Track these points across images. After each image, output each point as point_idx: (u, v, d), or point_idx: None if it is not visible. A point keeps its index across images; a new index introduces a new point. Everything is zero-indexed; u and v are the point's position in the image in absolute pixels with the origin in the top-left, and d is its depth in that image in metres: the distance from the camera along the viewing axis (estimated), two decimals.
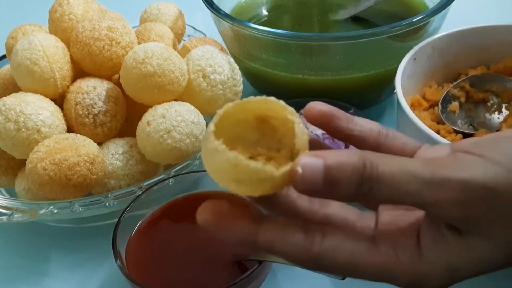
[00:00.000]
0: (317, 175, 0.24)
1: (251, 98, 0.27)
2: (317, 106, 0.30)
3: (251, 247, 0.27)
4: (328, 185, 0.25)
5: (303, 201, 0.30)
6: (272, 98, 0.27)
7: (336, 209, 0.31)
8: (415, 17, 0.55)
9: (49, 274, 0.51)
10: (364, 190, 0.25)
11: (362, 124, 0.31)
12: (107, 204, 0.48)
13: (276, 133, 0.28)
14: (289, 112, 0.27)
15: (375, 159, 0.25)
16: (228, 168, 0.24)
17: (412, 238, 0.28)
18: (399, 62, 0.53)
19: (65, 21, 0.55)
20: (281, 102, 0.27)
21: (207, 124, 0.53)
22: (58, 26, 0.56)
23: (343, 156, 0.25)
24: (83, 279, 0.50)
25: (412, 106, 0.54)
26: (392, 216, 0.30)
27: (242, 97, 0.57)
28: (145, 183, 0.48)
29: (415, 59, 0.54)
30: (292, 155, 0.27)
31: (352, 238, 0.27)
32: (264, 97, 0.27)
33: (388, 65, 0.59)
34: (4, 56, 0.64)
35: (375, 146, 0.30)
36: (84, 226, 0.54)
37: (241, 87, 0.56)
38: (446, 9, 0.58)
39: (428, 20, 0.56)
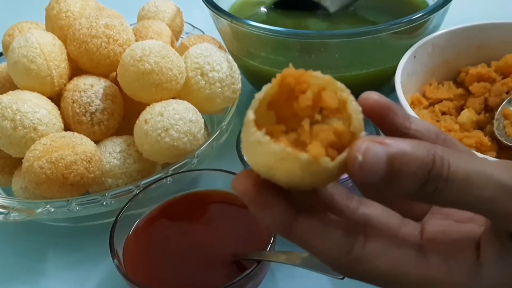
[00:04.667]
0: (379, 165, 0.21)
1: (289, 69, 0.24)
2: (373, 96, 0.26)
3: (283, 233, 0.24)
4: (388, 179, 0.21)
5: (341, 197, 0.27)
6: (318, 73, 0.24)
7: (376, 210, 0.28)
8: (415, 15, 0.54)
9: (46, 273, 0.51)
10: (428, 190, 0.22)
11: (419, 124, 0.27)
12: (104, 203, 0.47)
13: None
14: (339, 88, 0.24)
15: (446, 155, 0.22)
16: (275, 162, 0.22)
17: (469, 251, 0.25)
18: (399, 59, 0.52)
19: (62, 18, 0.55)
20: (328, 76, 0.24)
21: (205, 123, 0.52)
22: (55, 24, 0.55)
23: (409, 146, 0.22)
24: (80, 278, 0.50)
25: (412, 104, 0.54)
26: (440, 226, 0.27)
27: (240, 96, 0.57)
28: (143, 182, 0.48)
29: (415, 56, 0.54)
30: (341, 134, 0.23)
31: (398, 244, 0.25)
32: (302, 71, 0.24)
33: (387, 62, 0.59)
34: (0, 54, 0.63)
35: None
36: (81, 225, 0.53)
37: (240, 85, 0.56)
38: (446, 6, 0.57)
39: (428, 18, 0.56)
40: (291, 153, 0.21)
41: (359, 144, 0.22)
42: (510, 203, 0.22)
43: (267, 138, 0.22)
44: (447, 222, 0.27)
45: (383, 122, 0.27)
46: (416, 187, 0.22)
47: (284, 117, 0.24)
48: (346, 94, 0.23)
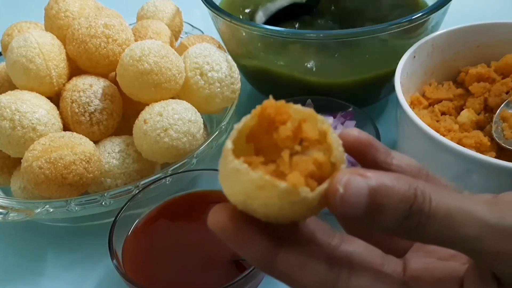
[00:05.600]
0: (360, 198, 0.21)
1: (270, 101, 0.23)
2: (353, 132, 0.26)
3: (265, 268, 0.24)
4: (370, 212, 0.21)
5: (322, 233, 0.26)
6: (299, 106, 0.24)
7: (359, 247, 0.27)
8: (415, 14, 0.54)
9: (45, 273, 0.51)
10: (410, 225, 0.21)
11: (400, 159, 0.27)
12: (103, 203, 0.47)
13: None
14: (319, 120, 0.23)
15: (428, 190, 0.22)
16: (253, 191, 0.21)
17: None
18: (399, 59, 0.52)
19: (61, 18, 0.55)
20: (309, 109, 0.23)
21: (204, 123, 0.52)
22: (54, 23, 0.55)
23: (390, 180, 0.21)
24: (79, 278, 0.49)
25: (412, 104, 0.54)
26: (423, 263, 0.26)
27: (240, 96, 0.57)
28: (142, 182, 0.48)
29: (414, 56, 0.54)
30: (319, 162, 0.23)
31: (383, 280, 0.24)
32: (283, 102, 0.23)
33: (387, 62, 0.59)
34: None
35: None
36: (80, 225, 0.53)
37: (239, 85, 0.56)
38: (446, 6, 0.57)
39: (428, 17, 0.55)
40: (269, 181, 0.20)
41: (340, 176, 0.21)
42: (494, 242, 0.22)
43: (245, 165, 0.21)
44: (430, 259, 0.27)
45: (364, 159, 0.26)
46: (397, 222, 0.21)
47: (263, 150, 0.24)
48: (326, 125, 0.23)
